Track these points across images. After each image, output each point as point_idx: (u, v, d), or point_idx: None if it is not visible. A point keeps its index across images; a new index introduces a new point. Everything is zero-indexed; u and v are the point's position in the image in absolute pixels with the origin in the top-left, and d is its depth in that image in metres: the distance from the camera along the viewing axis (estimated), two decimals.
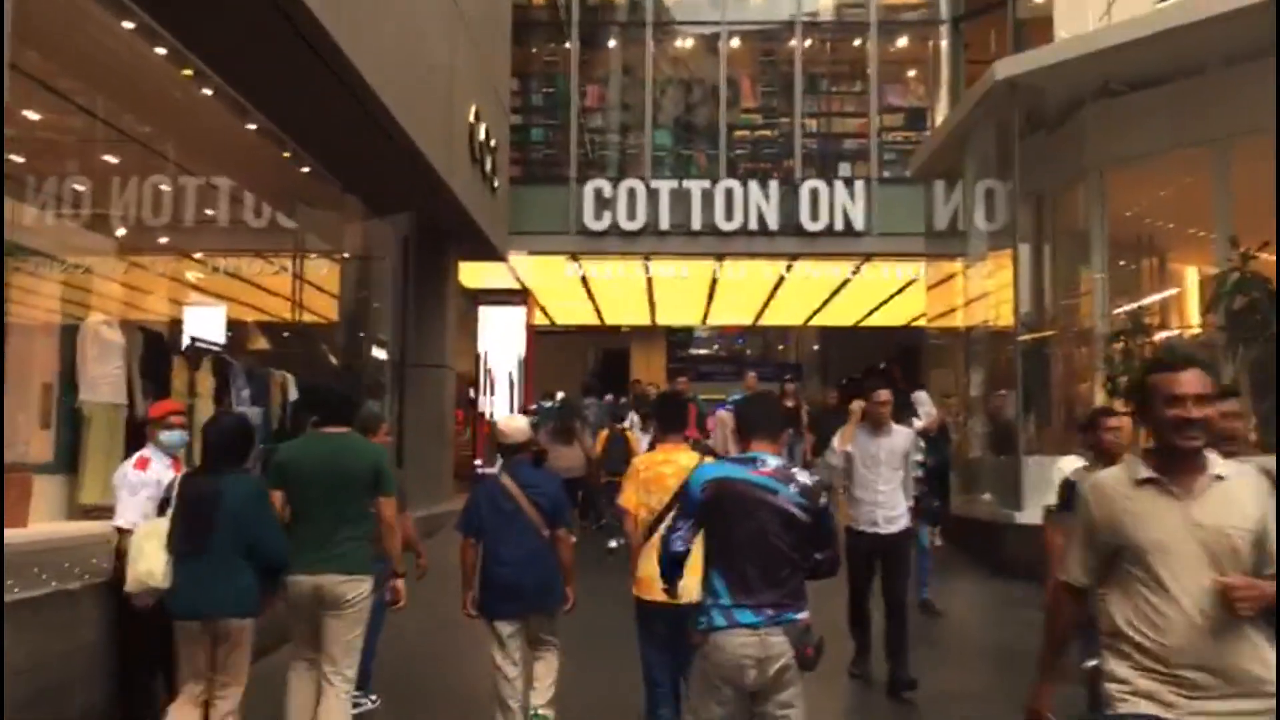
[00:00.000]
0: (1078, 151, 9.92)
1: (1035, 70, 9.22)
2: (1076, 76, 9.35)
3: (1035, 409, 9.84)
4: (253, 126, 9.04)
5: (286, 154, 9.85)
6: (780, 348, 29.89)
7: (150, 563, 4.45)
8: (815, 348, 28.15)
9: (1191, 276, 11.16)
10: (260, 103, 8.67)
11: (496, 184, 13.99)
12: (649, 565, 4.71)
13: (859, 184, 15.95)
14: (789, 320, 22.70)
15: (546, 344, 20.44)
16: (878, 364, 25.22)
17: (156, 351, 7.63)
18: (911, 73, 17.57)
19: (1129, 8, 9.96)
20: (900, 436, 6.58)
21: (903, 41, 17.43)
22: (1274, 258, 8.59)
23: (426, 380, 13.45)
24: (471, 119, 12.32)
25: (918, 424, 12.89)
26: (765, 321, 22.60)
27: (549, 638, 5.18)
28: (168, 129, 8.82)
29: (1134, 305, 9.91)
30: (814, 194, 15.83)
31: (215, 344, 8.75)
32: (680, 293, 18.85)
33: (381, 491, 4.89)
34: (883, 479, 6.40)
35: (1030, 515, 8.96)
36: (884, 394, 6.52)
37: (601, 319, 21.80)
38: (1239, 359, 8.15)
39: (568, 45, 17.09)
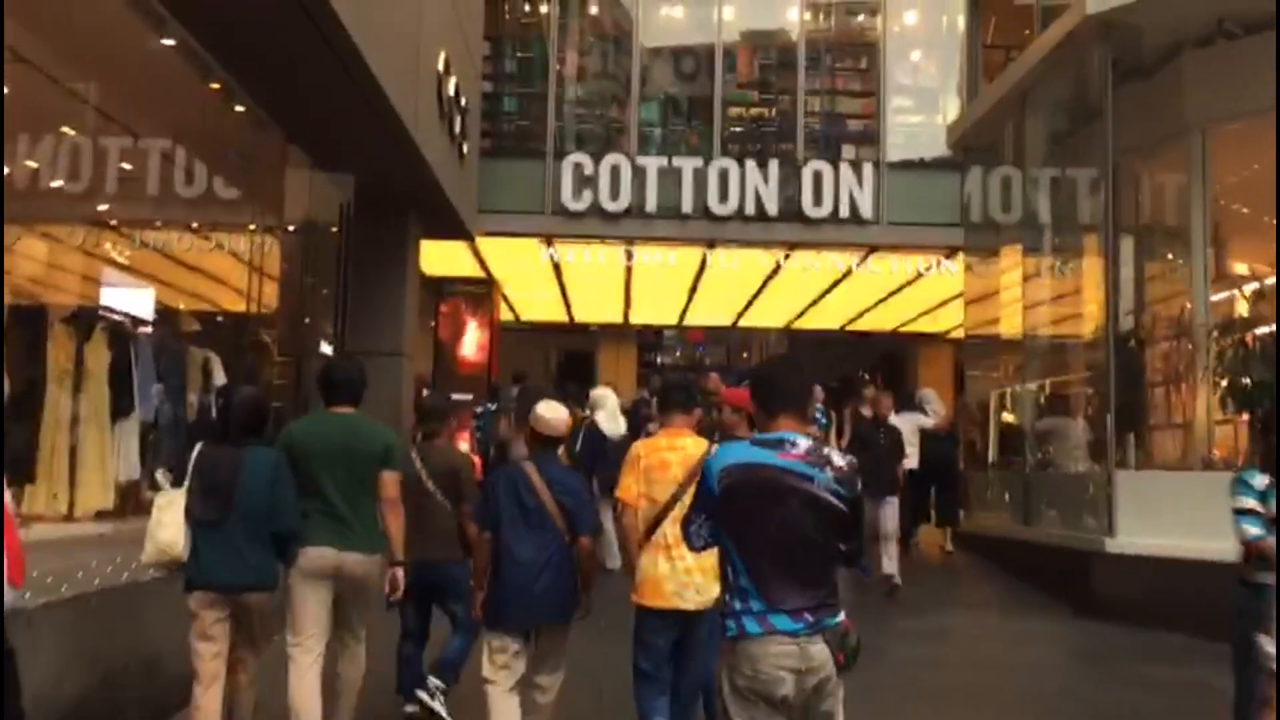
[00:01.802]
0: (1174, 109, 8.37)
1: (1134, 3, 7.61)
2: (1187, 11, 7.78)
3: (1125, 416, 8.17)
4: (170, 42, 7.23)
5: (215, 85, 8.03)
6: (744, 355, 28.47)
7: (171, 532, 4.36)
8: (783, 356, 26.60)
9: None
10: (180, 9, 6.86)
11: (465, 149, 12.23)
12: (651, 566, 4.51)
13: (867, 167, 14.41)
14: (770, 322, 21.17)
15: (507, 342, 18.76)
16: (856, 373, 23.79)
17: (26, 316, 5.79)
18: (918, 53, 16.09)
19: None
20: None
21: (914, 17, 15.92)
22: None
23: (379, 370, 11.57)
24: (440, 67, 10.56)
25: (926, 422, 11.68)
26: (745, 323, 21.05)
27: (556, 657, 4.69)
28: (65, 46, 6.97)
29: (1240, 291, 8.30)
30: (817, 177, 14.27)
31: (114, 310, 6.88)
32: (660, 286, 17.20)
33: (386, 466, 4.82)
34: None
35: (1125, 542, 7.42)
36: None
37: (570, 315, 20.10)
38: None
39: (544, 8, 15.40)
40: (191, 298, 9.48)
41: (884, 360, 22.79)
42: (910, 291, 16.87)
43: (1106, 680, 6.59)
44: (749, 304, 18.73)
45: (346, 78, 7.97)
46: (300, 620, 4.71)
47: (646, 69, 15.44)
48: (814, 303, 18.37)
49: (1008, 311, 11.00)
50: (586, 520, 4.74)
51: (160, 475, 4.66)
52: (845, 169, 14.34)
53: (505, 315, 19.25)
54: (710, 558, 4.20)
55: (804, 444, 3.17)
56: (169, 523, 4.37)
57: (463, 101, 11.63)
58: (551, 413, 4.82)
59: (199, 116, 8.37)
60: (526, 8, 15.75)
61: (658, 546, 4.50)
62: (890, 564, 8.95)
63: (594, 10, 15.93)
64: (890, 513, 9.15)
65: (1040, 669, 6.89)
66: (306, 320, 11.36)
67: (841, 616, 3.15)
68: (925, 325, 19.63)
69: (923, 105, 15.84)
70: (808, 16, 15.64)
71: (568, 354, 22.72)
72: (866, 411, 9.87)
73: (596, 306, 19.28)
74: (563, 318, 20.33)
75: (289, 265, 10.75)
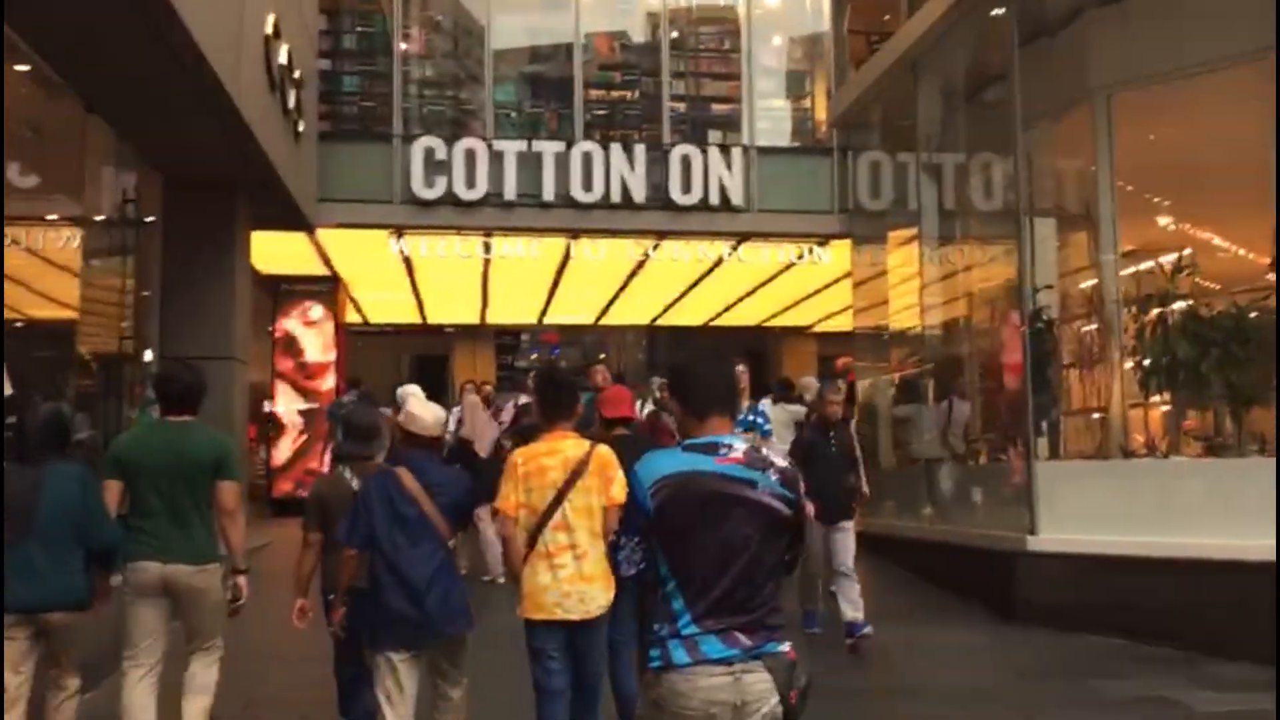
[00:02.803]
0: (1077, 73, 7.90)
1: None
2: None
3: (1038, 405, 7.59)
4: None
5: None
6: (601, 357, 27.77)
7: None
8: (641, 357, 26.00)
9: None
10: None
11: (302, 127, 10.96)
12: (531, 577, 4.33)
13: (735, 152, 13.77)
14: (633, 319, 20.46)
15: (353, 345, 17.45)
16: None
17: None
18: (782, 36, 15.60)
19: None
20: None
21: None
22: None
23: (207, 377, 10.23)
24: (269, 30, 9.31)
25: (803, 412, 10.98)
26: (608, 321, 20.27)
27: (456, 679, 4.38)
28: None
29: (1159, 263, 7.82)
30: (685, 162, 13.53)
31: None
32: (520, 281, 16.20)
33: (222, 476, 4.70)
34: None
35: (1049, 540, 6.87)
36: None
37: (424, 315, 18.88)
38: None
39: None
40: None
41: (749, 357, 22.47)
42: (778, 283, 16.38)
43: (1066, 703, 5.93)
44: (613, 300, 17.93)
45: (154, 34, 6.75)
46: (130, 634, 4.65)
47: (501, 47, 14.44)
48: (680, 298, 17.71)
49: (897, 294, 10.46)
50: (460, 521, 4.60)
51: None
52: (714, 154, 13.66)
53: (352, 316, 17.94)
54: (594, 565, 4.28)
55: (740, 446, 2.85)
56: None
57: (296, 74, 10.40)
58: (427, 412, 4.50)
59: None
60: None
61: (539, 556, 4.31)
62: (852, 609, 7.00)
63: None
64: (845, 542, 7.12)
65: (991, 695, 6.15)
66: (124, 323, 9.95)
67: (787, 645, 2.77)
68: (789, 319, 19.28)
69: (790, 88, 15.40)
70: None
71: (420, 358, 21.50)
72: (834, 410, 7.47)
73: (451, 306, 18.16)
74: (415, 319, 19.15)
75: (95, 258, 9.34)
